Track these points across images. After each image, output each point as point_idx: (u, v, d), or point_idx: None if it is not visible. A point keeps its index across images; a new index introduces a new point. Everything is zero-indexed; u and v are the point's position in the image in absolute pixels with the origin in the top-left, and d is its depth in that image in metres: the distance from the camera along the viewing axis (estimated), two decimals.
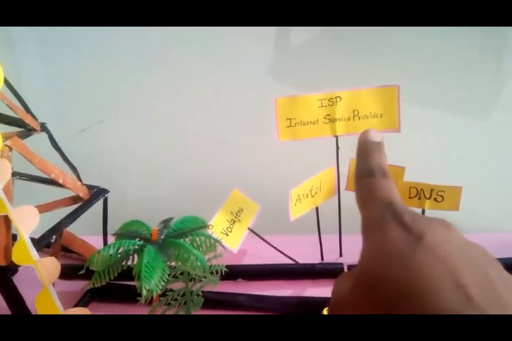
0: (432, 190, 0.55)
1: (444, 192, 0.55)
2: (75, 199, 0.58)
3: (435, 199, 0.55)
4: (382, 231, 0.25)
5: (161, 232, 0.46)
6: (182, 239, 0.45)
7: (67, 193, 0.60)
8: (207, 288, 0.53)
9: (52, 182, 0.58)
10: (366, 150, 0.31)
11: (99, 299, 0.61)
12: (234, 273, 0.62)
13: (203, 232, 0.46)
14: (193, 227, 0.46)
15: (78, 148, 1.06)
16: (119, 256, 0.44)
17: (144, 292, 0.40)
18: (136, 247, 0.44)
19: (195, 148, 1.11)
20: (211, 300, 0.57)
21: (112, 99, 1.32)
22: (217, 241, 0.46)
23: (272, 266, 0.65)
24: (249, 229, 0.63)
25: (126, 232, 0.46)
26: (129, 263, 0.44)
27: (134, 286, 0.44)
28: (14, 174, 0.58)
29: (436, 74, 1.46)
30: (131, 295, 0.52)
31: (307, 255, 0.67)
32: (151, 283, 0.41)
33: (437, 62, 1.55)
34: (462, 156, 1.06)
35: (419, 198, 0.56)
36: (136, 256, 0.44)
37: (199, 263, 0.43)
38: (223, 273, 0.52)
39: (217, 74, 1.44)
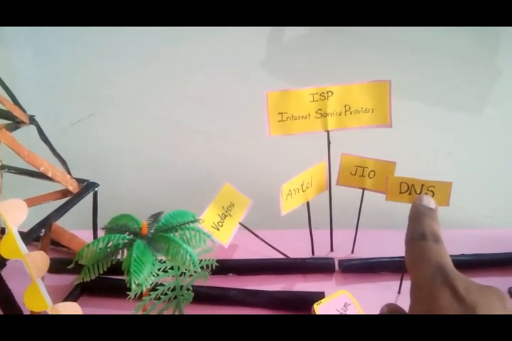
0: (422, 185, 0.55)
1: (434, 187, 0.55)
2: (64, 193, 0.58)
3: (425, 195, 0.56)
4: (432, 295, 0.25)
5: (151, 226, 0.46)
6: (172, 233, 0.45)
7: (57, 187, 0.59)
8: (198, 283, 0.53)
9: (41, 175, 0.57)
10: (419, 214, 0.31)
11: (89, 293, 0.61)
12: (225, 267, 0.62)
13: (193, 226, 0.46)
14: (183, 221, 0.46)
15: (69, 141, 1.06)
16: (108, 250, 0.43)
17: (134, 286, 0.40)
18: (126, 241, 0.44)
19: (187, 142, 1.10)
20: (202, 294, 0.57)
21: (104, 92, 1.31)
22: (207, 235, 0.46)
23: (263, 261, 0.65)
24: (240, 223, 0.63)
25: (116, 226, 0.46)
26: (119, 257, 0.43)
27: (124, 281, 0.44)
28: (3, 167, 0.57)
29: (429, 69, 1.46)
30: (122, 290, 0.52)
31: (298, 250, 0.67)
32: (141, 278, 0.40)
33: (430, 56, 1.55)
34: (454, 151, 1.06)
35: (410, 193, 0.56)
36: (125, 251, 0.43)
37: (189, 258, 0.42)
38: (214, 267, 0.52)
39: (209, 68, 1.44)
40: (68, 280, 0.61)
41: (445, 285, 0.25)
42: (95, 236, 0.61)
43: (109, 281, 0.60)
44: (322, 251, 0.68)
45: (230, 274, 0.63)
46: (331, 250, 0.68)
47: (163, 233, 0.45)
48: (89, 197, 0.60)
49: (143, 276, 0.41)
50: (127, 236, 0.44)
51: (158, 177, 0.97)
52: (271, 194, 0.61)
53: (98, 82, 1.36)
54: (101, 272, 0.43)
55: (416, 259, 0.28)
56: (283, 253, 0.66)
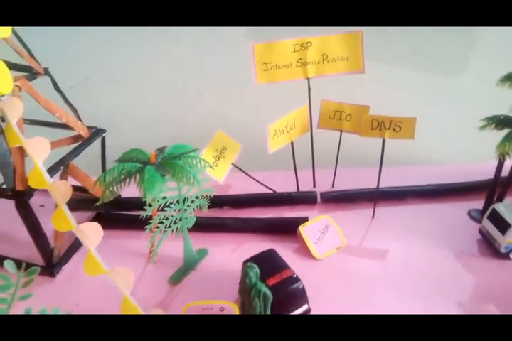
0: (390, 121, 0.63)
1: (401, 122, 0.63)
2: (76, 138, 0.65)
3: (394, 130, 0.64)
4: None
5: (157, 157, 0.53)
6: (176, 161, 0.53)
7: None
8: (198, 214, 0.60)
9: (54, 125, 0.65)
10: None
11: (104, 226, 0.69)
12: (220, 201, 0.71)
13: (194, 155, 0.53)
14: (185, 151, 0.54)
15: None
16: (123, 175, 0.51)
17: (148, 198, 0.48)
18: (137, 168, 0.51)
19: (181, 97, 1.18)
20: (202, 222, 0.65)
21: (99, 58, 1.37)
22: (207, 163, 0.53)
23: (254, 195, 0.73)
24: (232, 164, 0.70)
25: (127, 158, 0.53)
26: (132, 181, 0.51)
27: (136, 215, 0.52)
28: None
29: (407, 35, 1.52)
30: (132, 223, 0.60)
31: (285, 187, 0.75)
32: (153, 192, 0.48)
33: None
34: (425, 103, 1.14)
35: (380, 129, 0.64)
36: (137, 176, 0.51)
37: (192, 178, 0.50)
38: (212, 197, 0.59)
39: (197, 30, 1.49)
40: (85, 217, 0.68)
41: None
42: None
43: (121, 215, 0.68)
44: (306, 187, 0.76)
45: (226, 207, 0.71)
46: (314, 186, 0.77)
47: (168, 160, 0.53)
48: (98, 143, 0.67)
49: (155, 191, 0.48)
50: (138, 165, 0.52)
51: (157, 130, 1.04)
52: (259, 139, 0.69)
53: (93, 48, 1.41)
54: (118, 193, 0.51)
55: None
56: (271, 189, 0.74)
